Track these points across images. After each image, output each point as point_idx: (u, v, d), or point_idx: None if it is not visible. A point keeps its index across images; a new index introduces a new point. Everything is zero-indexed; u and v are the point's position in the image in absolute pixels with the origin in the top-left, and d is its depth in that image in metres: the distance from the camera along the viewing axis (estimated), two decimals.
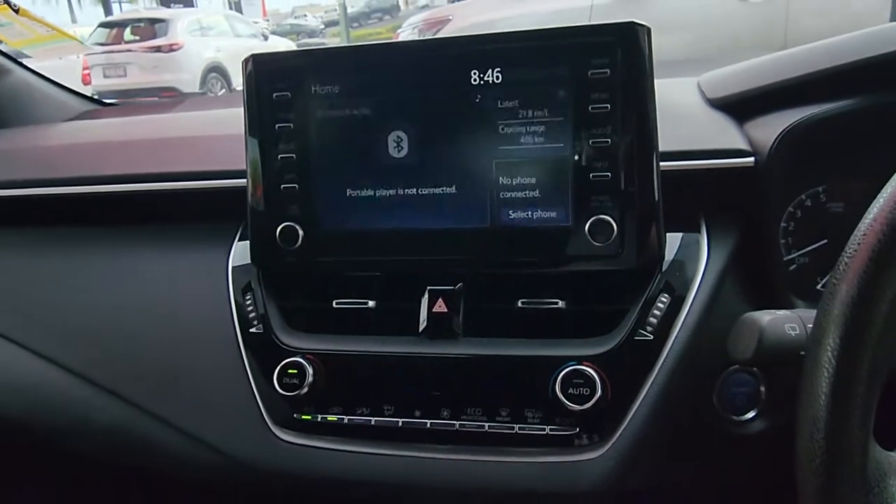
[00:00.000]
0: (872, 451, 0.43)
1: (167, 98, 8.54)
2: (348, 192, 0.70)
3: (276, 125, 0.71)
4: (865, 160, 0.70)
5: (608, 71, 0.63)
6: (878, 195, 0.42)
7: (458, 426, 0.67)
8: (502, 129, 0.66)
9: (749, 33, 3.33)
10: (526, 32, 0.66)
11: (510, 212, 0.67)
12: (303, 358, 0.70)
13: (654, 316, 0.66)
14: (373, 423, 0.69)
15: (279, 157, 0.71)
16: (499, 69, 0.65)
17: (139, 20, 10.06)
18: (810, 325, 0.51)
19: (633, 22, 0.63)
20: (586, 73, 0.64)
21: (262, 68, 0.71)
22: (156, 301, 0.81)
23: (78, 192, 0.88)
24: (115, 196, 0.87)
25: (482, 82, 0.66)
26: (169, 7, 14.76)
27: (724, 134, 0.72)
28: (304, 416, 0.71)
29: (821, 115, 0.68)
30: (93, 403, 0.79)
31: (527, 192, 0.66)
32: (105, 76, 9.04)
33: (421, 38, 3.90)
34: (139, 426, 0.77)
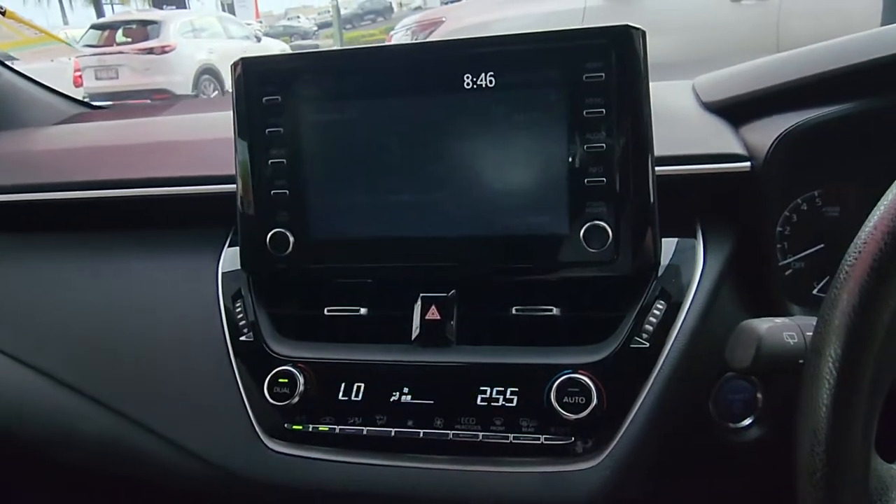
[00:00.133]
0: (874, 463, 0.42)
1: (159, 100, 8.51)
2: (339, 197, 0.69)
3: (266, 130, 0.70)
4: (861, 164, 0.69)
5: (603, 75, 0.62)
6: (879, 202, 0.41)
7: (451, 436, 0.66)
8: (495, 134, 0.65)
9: (742, 35, 3.34)
10: (519, 36, 0.65)
11: (504, 218, 0.66)
12: (294, 367, 0.69)
13: (650, 323, 0.65)
14: (365, 432, 0.68)
15: (269, 162, 0.70)
16: (492, 73, 0.64)
17: (131, 22, 10.04)
18: (809, 334, 0.50)
19: (627, 25, 0.62)
20: (581, 77, 0.63)
21: (251, 72, 0.70)
22: (143, 308, 0.80)
23: (65, 198, 0.86)
24: (103, 201, 0.86)
25: (475, 86, 0.65)
26: (161, 9, 14.71)
27: (719, 138, 0.72)
28: (295, 426, 0.69)
29: (817, 119, 0.68)
30: (79, 413, 0.77)
31: (520, 197, 0.65)
32: (97, 78, 9.01)
33: (414, 39, 3.89)
34: (127, 436, 0.75)
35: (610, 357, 0.64)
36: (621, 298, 0.67)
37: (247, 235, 0.73)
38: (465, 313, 0.69)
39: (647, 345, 0.65)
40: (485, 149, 0.65)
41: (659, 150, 0.65)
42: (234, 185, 0.72)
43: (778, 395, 0.67)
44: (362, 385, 0.69)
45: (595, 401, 0.62)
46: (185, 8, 17.18)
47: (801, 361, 0.49)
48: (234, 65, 0.71)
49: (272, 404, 0.68)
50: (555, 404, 0.63)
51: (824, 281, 0.75)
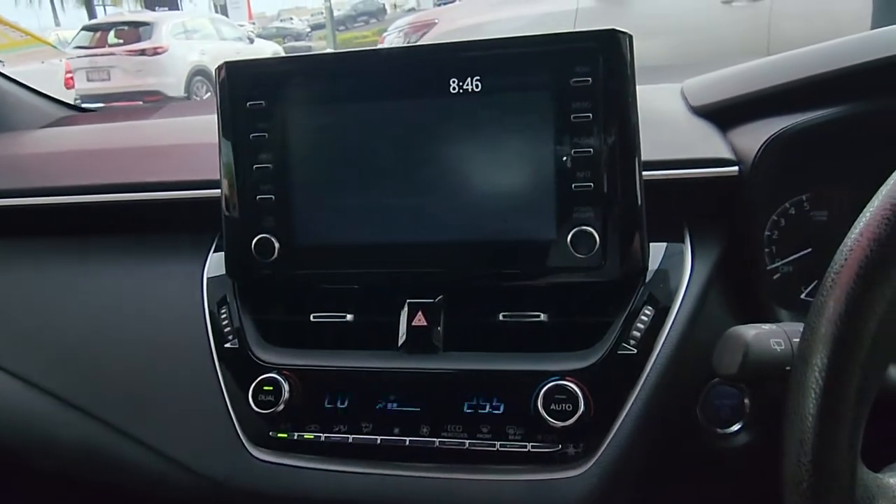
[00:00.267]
0: (860, 472, 0.41)
1: (151, 102, 8.49)
2: (325, 203, 0.69)
3: (251, 135, 0.69)
4: (849, 168, 0.69)
5: (590, 79, 0.62)
6: (865, 209, 0.41)
7: (437, 443, 0.65)
8: (482, 139, 0.64)
9: (733, 37, 3.34)
10: (506, 40, 0.64)
11: (490, 223, 0.65)
12: (279, 374, 0.68)
13: (638, 329, 0.65)
14: (350, 440, 0.67)
15: (254, 167, 0.70)
16: (478, 77, 0.64)
17: (123, 23, 10.01)
18: (796, 340, 0.50)
19: (613, 29, 0.62)
20: (567, 81, 0.62)
21: (235, 76, 0.69)
22: (127, 314, 0.79)
23: (48, 203, 0.85)
24: (88, 206, 0.85)
25: (461, 91, 0.64)
26: (153, 10, 14.67)
27: (707, 142, 0.71)
28: (280, 434, 0.69)
29: (805, 123, 0.67)
30: (60, 420, 0.76)
31: (507, 203, 0.65)
32: (89, 80, 8.97)
33: (406, 41, 3.89)
34: (109, 444, 0.75)
35: (597, 364, 0.64)
36: (609, 304, 0.67)
37: (232, 241, 0.72)
38: (452, 319, 0.68)
39: (635, 351, 0.64)
40: (471, 154, 0.65)
41: (647, 154, 0.64)
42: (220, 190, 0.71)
43: (766, 401, 0.67)
44: (348, 392, 0.68)
45: (582, 408, 0.62)
46: (177, 9, 17.12)
47: (788, 368, 0.49)
48: (218, 69, 0.70)
49: (257, 412, 0.68)
50: (542, 411, 0.62)
51: (812, 285, 0.75)
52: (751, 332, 0.52)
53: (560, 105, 0.63)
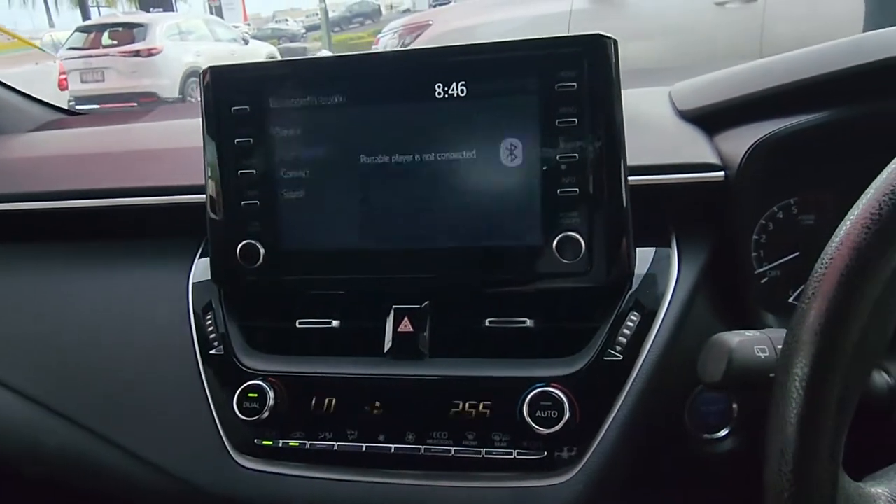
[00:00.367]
0: (842, 482, 0.41)
1: (146, 103, 8.47)
2: (310, 209, 0.68)
3: (236, 140, 0.69)
4: (836, 173, 0.69)
5: (575, 84, 0.62)
6: (846, 217, 0.40)
7: (423, 451, 0.65)
8: (467, 144, 0.64)
9: (726, 39, 3.35)
10: (491, 45, 0.64)
11: (476, 229, 0.65)
12: (264, 381, 0.67)
13: (624, 335, 0.65)
14: (335, 448, 0.67)
15: (239, 172, 0.69)
16: (464, 82, 0.64)
17: (117, 24, 9.97)
18: (780, 347, 0.49)
19: (599, 34, 0.61)
20: (553, 87, 0.62)
21: (220, 81, 0.69)
22: (112, 320, 0.78)
23: (33, 208, 0.85)
24: (73, 212, 0.84)
25: (447, 96, 0.64)
26: (148, 11, 14.64)
27: (693, 147, 0.71)
28: (265, 442, 0.68)
29: (791, 128, 0.67)
30: (45, 427, 0.76)
31: (493, 208, 0.64)
32: (82, 81, 8.95)
33: (401, 43, 3.89)
34: (94, 451, 0.74)
35: (583, 370, 0.64)
36: (595, 309, 0.67)
37: (217, 247, 0.71)
38: (438, 325, 0.68)
39: (621, 357, 0.64)
40: (456, 159, 0.64)
41: (633, 159, 0.64)
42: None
43: (753, 406, 0.66)
44: (333, 399, 0.68)
45: (568, 414, 0.61)
46: (172, 11, 17.09)
47: (772, 375, 0.48)
48: (203, 73, 0.70)
49: (241, 419, 0.67)
50: (527, 418, 0.62)
51: (800, 289, 0.74)
52: (735, 339, 0.52)
53: (545, 110, 0.62)
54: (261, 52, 11.97)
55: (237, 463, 0.69)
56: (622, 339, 0.65)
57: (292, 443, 0.68)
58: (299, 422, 0.68)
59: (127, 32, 9.52)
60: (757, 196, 0.71)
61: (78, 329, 0.79)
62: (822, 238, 0.41)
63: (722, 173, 0.68)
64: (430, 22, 4.02)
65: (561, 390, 0.62)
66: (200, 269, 0.77)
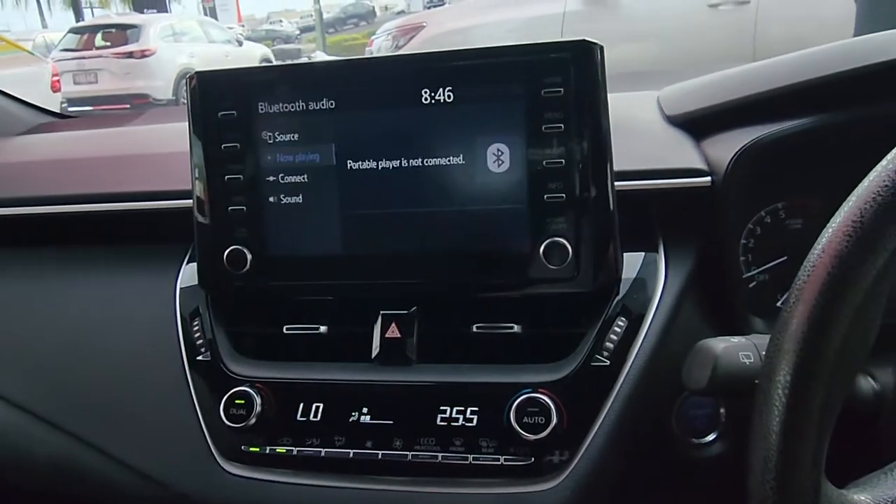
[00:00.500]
0: (825, 489, 0.41)
1: (139, 104, 8.44)
2: (297, 214, 0.68)
3: (222, 145, 0.69)
4: (824, 178, 0.69)
5: (561, 90, 0.61)
6: (828, 224, 0.40)
7: (410, 457, 0.65)
8: (454, 150, 0.64)
9: (719, 41, 3.36)
10: (477, 50, 0.64)
11: (463, 234, 0.65)
12: (251, 387, 0.67)
13: (611, 340, 0.65)
14: (323, 454, 0.66)
15: (226, 178, 0.69)
16: (450, 88, 0.64)
17: (111, 26, 9.94)
18: (765, 353, 0.49)
19: (585, 40, 0.61)
20: (539, 92, 0.62)
21: (206, 86, 0.69)
22: (99, 326, 0.78)
23: (19, 213, 0.84)
24: (60, 217, 0.84)
25: (433, 101, 0.64)
26: (142, 13, 14.59)
27: (680, 152, 0.71)
28: (252, 448, 0.68)
29: (778, 133, 0.67)
30: (31, 434, 0.75)
31: (480, 214, 0.64)
32: (75, 83, 8.91)
33: (395, 44, 3.88)
34: (80, 458, 0.74)
35: (570, 376, 0.63)
36: (582, 315, 0.66)
37: (204, 252, 0.71)
38: (426, 331, 0.68)
39: (608, 362, 0.64)
40: (443, 165, 0.64)
41: (620, 164, 0.64)
42: None
43: (741, 411, 0.66)
44: (321, 405, 0.67)
45: (555, 420, 0.61)
46: (165, 12, 17.04)
47: (756, 382, 0.48)
48: (189, 78, 0.69)
49: (228, 426, 0.67)
50: (514, 424, 0.62)
51: (787, 293, 0.75)
52: (720, 345, 0.52)
53: (532, 115, 0.62)
54: (255, 53, 11.95)
55: (224, 469, 0.68)
56: (609, 345, 0.65)
57: (279, 449, 0.67)
58: (286, 428, 0.68)
59: (120, 34, 9.49)
60: (744, 201, 0.71)
61: (64, 335, 0.79)
62: (810, 243, 0.41)
63: (708, 179, 0.68)
64: (425, 24, 4.03)
65: (548, 396, 0.62)
66: (188, 274, 0.77)
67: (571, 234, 0.63)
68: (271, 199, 0.68)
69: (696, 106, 0.75)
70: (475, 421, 0.64)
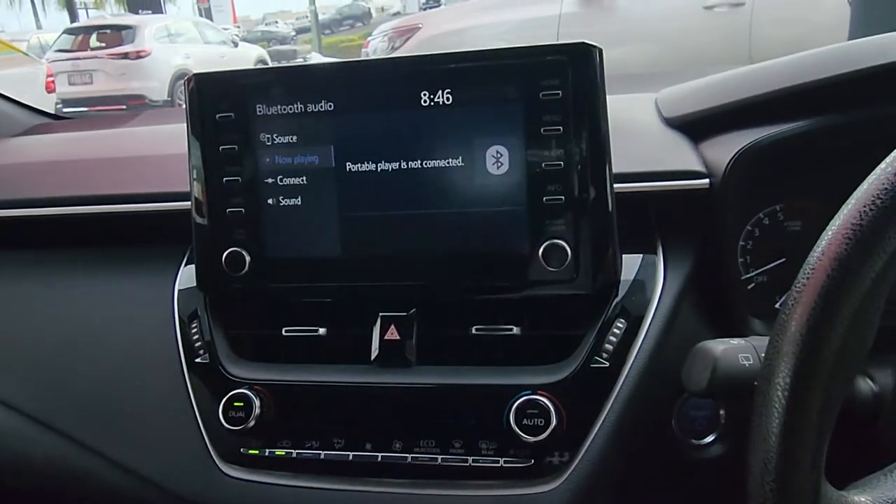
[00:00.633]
0: (824, 490, 0.41)
1: (135, 105, 8.42)
2: (296, 216, 0.68)
3: (221, 147, 0.68)
4: (822, 180, 0.69)
5: (560, 92, 0.62)
6: (828, 227, 0.40)
7: (410, 459, 0.65)
8: (453, 152, 0.64)
9: (715, 43, 3.37)
10: (476, 52, 0.64)
11: (462, 237, 0.65)
12: (250, 389, 0.67)
13: (610, 342, 0.65)
14: (322, 456, 0.66)
15: (224, 180, 0.69)
16: (449, 90, 0.64)
17: (106, 27, 9.91)
18: (764, 355, 0.50)
19: (584, 42, 0.62)
20: (538, 95, 0.62)
21: (204, 88, 0.69)
22: (97, 328, 0.78)
23: (17, 215, 0.84)
24: (57, 218, 0.83)
25: (432, 103, 0.64)
26: (137, 13, 14.55)
27: (678, 154, 0.71)
28: (251, 451, 0.68)
29: (776, 136, 0.68)
30: (28, 437, 0.75)
31: (479, 216, 0.64)
32: (70, 83, 8.89)
33: (391, 45, 3.88)
34: (78, 461, 0.73)
35: (569, 377, 0.64)
36: (581, 317, 0.67)
37: (202, 254, 0.71)
38: (425, 333, 0.68)
39: (608, 364, 0.64)
40: (442, 167, 0.64)
41: (619, 166, 0.64)
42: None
43: (740, 411, 0.66)
44: (320, 407, 0.67)
45: (554, 422, 0.61)
46: (160, 13, 17.00)
47: (756, 383, 0.49)
48: (187, 80, 0.69)
49: (227, 428, 0.67)
50: (514, 426, 0.62)
51: (786, 295, 0.75)
52: (719, 347, 0.52)
53: (530, 118, 0.62)
54: (250, 54, 11.94)
55: (223, 472, 0.68)
56: (608, 347, 0.65)
57: (278, 451, 0.67)
58: (285, 430, 0.68)
59: (115, 34, 9.47)
60: (742, 203, 0.71)
61: (62, 337, 0.79)
62: (809, 244, 0.41)
63: (707, 181, 0.68)
64: (420, 25, 4.03)
65: (548, 398, 0.62)
66: (186, 276, 0.76)
67: (570, 235, 0.63)
68: (270, 200, 0.68)
69: (695, 108, 0.75)
70: (475, 423, 0.64)
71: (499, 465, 0.63)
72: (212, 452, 0.69)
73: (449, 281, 0.66)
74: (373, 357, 0.68)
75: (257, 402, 0.66)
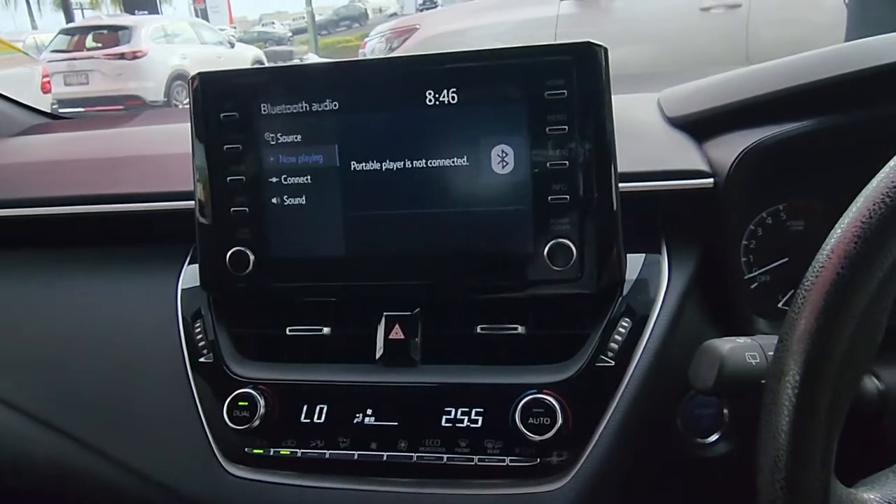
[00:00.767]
0: (834, 488, 0.41)
1: (132, 106, 8.40)
2: (300, 216, 0.68)
3: (224, 146, 0.68)
4: (825, 180, 0.70)
5: (565, 92, 0.62)
6: (836, 226, 0.41)
7: (415, 458, 0.65)
8: (458, 151, 0.64)
9: (712, 44, 3.38)
10: (481, 52, 0.64)
11: (467, 236, 0.65)
12: (254, 389, 0.67)
13: (616, 341, 0.65)
14: (327, 456, 0.66)
15: (228, 179, 0.69)
16: (454, 89, 0.64)
17: (102, 27, 9.90)
18: (771, 353, 0.50)
19: (589, 42, 0.62)
20: (543, 94, 0.62)
21: (209, 87, 0.69)
22: (100, 328, 0.77)
23: (18, 215, 0.84)
24: (60, 218, 0.83)
25: (437, 103, 0.64)
26: (133, 14, 14.53)
27: (682, 154, 0.72)
28: (255, 450, 0.68)
29: (780, 135, 0.68)
30: (32, 437, 0.75)
31: (484, 215, 0.64)
32: (66, 84, 8.87)
33: (388, 46, 3.88)
34: (82, 461, 0.73)
35: (575, 376, 0.64)
36: (586, 316, 0.67)
37: (206, 253, 0.71)
38: (430, 332, 0.68)
39: (613, 363, 0.64)
40: (447, 166, 0.64)
41: (623, 165, 0.64)
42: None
43: (745, 410, 0.67)
44: (325, 407, 0.67)
45: (560, 421, 0.61)
46: (157, 13, 16.97)
47: (763, 382, 0.49)
48: (192, 79, 0.69)
49: (232, 427, 0.66)
50: (519, 425, 0.62)
51: (790, 294, 0.75)
52: (726, 345, 0.52)
53: (535, 117, 0.62)
54: (247, 55, 11.93)
55: (227, 472, 0.68)
56: (614, 345, 0.65)
57: (283, 451, 0.67)
58: (290, 430, 0.67)
59: (112, 35, 9.45)
60: (746, 203, 0.72)
61: (64, 337, 0.78)
62: (811, 244, 0.42)
63: (711, 180, 0.69)
64: (418, 26, 4.03)
65: (553, 397, 0.62)
66: (189, 275, 0.76)
67: (575, 235, 0.63)
68: (274, 200, 0.68)
69: (698, 108, 0.75)
70: (480, 422, 0.64)
71: (504, 464, 0.63)
72: (216, 452, 0.69)
73: (453, 280, 0.66)
74: (377, 356, 0.68)
75: (262, 402, 0.66)
